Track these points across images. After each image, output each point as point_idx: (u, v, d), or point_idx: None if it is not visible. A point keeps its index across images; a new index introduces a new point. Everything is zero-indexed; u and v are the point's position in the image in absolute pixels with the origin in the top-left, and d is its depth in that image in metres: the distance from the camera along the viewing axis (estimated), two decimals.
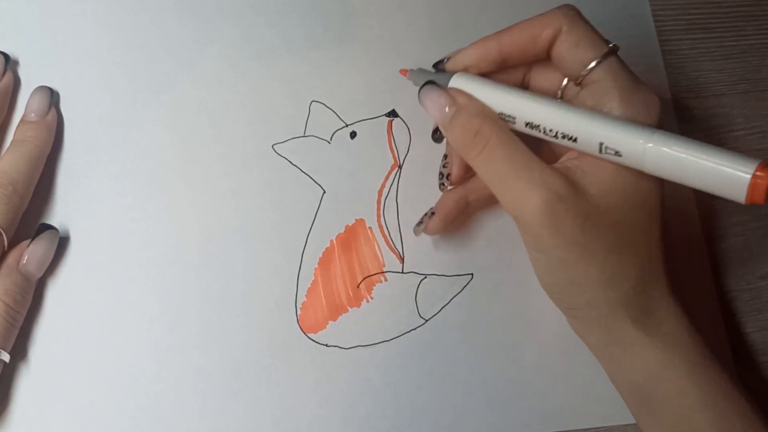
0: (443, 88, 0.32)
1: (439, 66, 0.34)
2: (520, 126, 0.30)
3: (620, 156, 0.27)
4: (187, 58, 0.38)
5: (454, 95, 0.31)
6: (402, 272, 0.36)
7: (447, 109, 0.31)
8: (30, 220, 0.34)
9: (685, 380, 0.29)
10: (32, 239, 0.33)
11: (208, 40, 0.38)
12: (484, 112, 0.31)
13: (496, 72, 0.32)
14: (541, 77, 0.33)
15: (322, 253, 0.36)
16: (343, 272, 0.36)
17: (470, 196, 0.35)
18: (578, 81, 0.30)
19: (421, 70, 0.34)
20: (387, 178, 0.37)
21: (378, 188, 0.37)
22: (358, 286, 0.36)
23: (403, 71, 0.35)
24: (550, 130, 0.29)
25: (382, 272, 0.36)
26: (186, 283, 0.35)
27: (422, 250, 0.36)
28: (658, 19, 0.41)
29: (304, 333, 0.35)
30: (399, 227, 0.37)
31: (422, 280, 0.36)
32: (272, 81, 0.38)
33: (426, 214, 0.35)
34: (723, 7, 0.42)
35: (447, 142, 0.35)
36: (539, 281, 0.31)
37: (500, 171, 0.29)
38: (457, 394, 0.35)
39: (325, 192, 0.37)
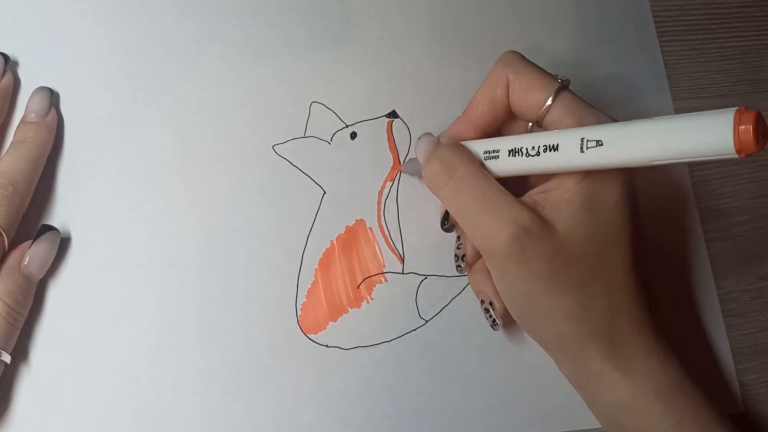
0: (435, 137, 0.34)
1: None
2: (503, 157, 0.30)
3: (601, 144, 0.26)
4: (187, 59, 0.38)
5: (440, 140, 0.33)
6: (402, 273, 0.36)
7: (430, 148, 0.32)
8: (30, 221, 0.34)
9: (655, 413, 0.29)
10: (33, 240, 0.33)
11: (208, 40, 0.38)
12: (457, 146, 0.31)
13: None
14: (509, 130, 0.34)
15: (323, 254, 0.36)
16: (344, 273, 0.36)
17: None
18: (539, 123, 0.31)
19: (412, 160, 0.36)
20: (387, 178, 0.37)
21: (378, 189, 0.37)
22: (358, 287, 0.36)
23: (399, 167, 0.37)
24: (533, 148, 0.29)
25: (383, 273, 0.36)
26: (186, 283, 0.35)
27: (423, 251, 0.36)
28: (659, 19, 0.41)
29: (304, 333, 0.35)
30: (399, 228, 0.37)
31: (422, 280, 0.36)
32: (272, 81, 0.38)
33: (488, 311, 0.34)
34: (723, 8, 0.42)
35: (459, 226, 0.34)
36: (511, 314, 0.32)
37: (468, 204, 0.30)
38: (457, 395, 0.35)
39: (325, 192, 0.37)
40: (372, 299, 0.36)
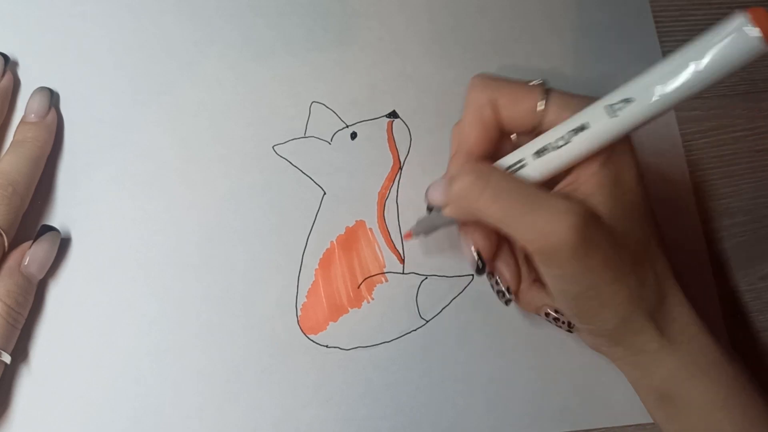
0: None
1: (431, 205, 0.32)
2: (531, 162, 0.28)
3: (631, 101, 0.26)
4: (187, 60, 0.38)
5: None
6: (403, 273, 0.36)
7: (447, 182, 0.30)
8: (30, 221, 0.34)
9: (708, 381, 0.29)
10: (33, 240, 0.33)
11: (208, 41, 0.38)
12: (479, 161, 0.30)
13: None
14: (501, 153, 0.32)
15: (323, 254, 0.36)
16: (344, 273, 0.36)
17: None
18: (537, 129, 0.30)
19: (424, 218, 0.33)
20: (387, 178, 0.37)
21: (378, 189, 0.37)
22: (358, 287, 0.36)
23: (408, 234, 0.35)
24: (561, 138, 0.28)
25: (383, 273, 0.36)
26: (186, 283, 0.35)
27: (423, 251, 0.36)
28: (659, 19, 0.41)
29: (305, 334, 0.35)
30: (399, 228, 0.37)
31: (423, 281, 0.36)
32: (272, 82, 0.38)
33: (498, 284, 0.33)
34: (723, 8, 0.42)
35: (492, 265, 0.33)
36: (566, 312, 0.31)
37: (513, 207, 0.27)
38: (458, 395, 0.35)
39: (325, 193, 0.37)
40: (372, 299, 0.36)
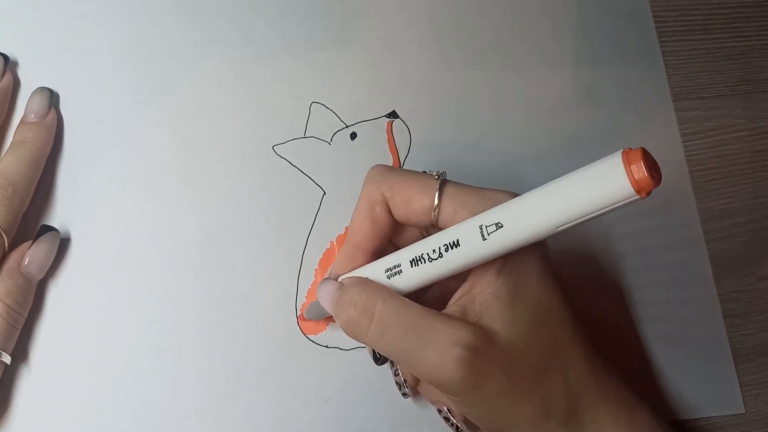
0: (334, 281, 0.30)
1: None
2: (407, 270, 0.28)
3: (501, 227, 0.25)
4: (187, 60, 0.38)
5: (342, 280, 0.30)
6: None
7: (335, 294, 0.29)
8: (30, 222, 0.34)
9: None
10: (33, 240, 0.33)
11: (208, 41, 0.38)
12: (363, 281, 0.29)
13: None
14: (402, 240, 0.32)
15: (323, 255, 0.36)
16: None
17: None
18: (435, 226, 0.29)
19: (314, 304, 0.33)
20: None
21: None
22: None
23: (300, 316, 0.35)
24: (433, 251, 0.27)
25: None
26: (186, 284, 0.35)
27: None
28: (659, 20, 0.41)
29: (305, 334, 0.35)
30: None
31: None
32: (272, 82, 0.38)
33: (400, 386, 0.32)
34: (723, 8, 0.42)
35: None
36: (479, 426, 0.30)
37: (399, 342, 0.27)
38: None
39: (325, 193, 0.37)
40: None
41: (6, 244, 0.32)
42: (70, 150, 0.36)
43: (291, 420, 0.34)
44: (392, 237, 0.31)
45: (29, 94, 0.36)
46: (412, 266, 0.28)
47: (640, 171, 0.21)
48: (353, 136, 0.38)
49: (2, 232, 0.32)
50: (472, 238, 0.26)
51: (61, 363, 0.34)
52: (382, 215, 0.30)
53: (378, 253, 0.31)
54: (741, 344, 0.37)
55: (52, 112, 0.36)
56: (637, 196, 0.22)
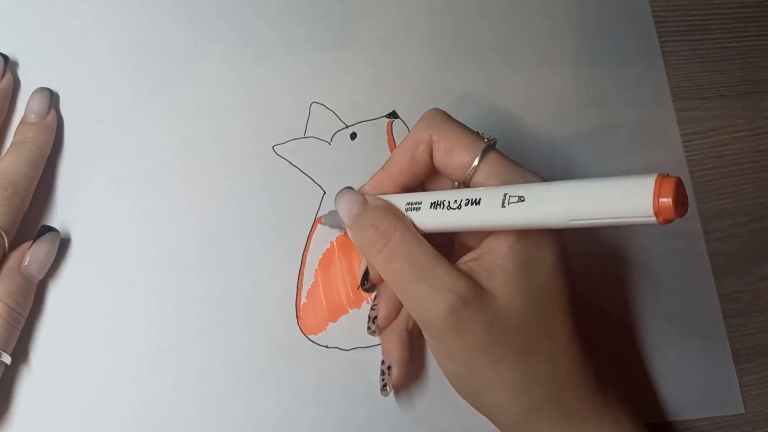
0: (358, 194, 0.32)
1: None
2: (425, 209, 0.29)
3: (523, 200, 0.26)
4: (187, 60, 0.38)
5: (366, 197, 0.31)
6: None
7: (359, 207, 0.31)
8: (30, 222, 0.34)
9: None
10: (33, 241, 0.33)
11: (208, 41, 0.38)
12: (389, 207, 0.30)
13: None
14: (434, 187, 0.33)
15: (323, 255, 0.36)
16: (344, 273, 0.36)
17: (407, 326, 0.33)
18: (467, 183, 0.30)
19: (333, 212, 0.34)
20: None
21: None
22: (358, 288, 0.36)
23: (318, 219, 0.36)
24: (454, 201, 0.28)
25: None
26: (186, 284, 0.35)
27: None
28: (659, 20, 0.41)
29: (305, 334, 0.35)
30: None
31: None
32: (272, 82, 0.38)
33: (384, 374, 0.33)
34: (723, 8, 0.42)
35: (379, 287, 0.34)
36: (453, 387, 0.31)
37: (403, 272, 0.28)
38: (458, 396, 0.35)
39: (325, 193, 0.37)
40: (372, 300, 0.36)
41: (6, 245, 0.32)
42: (70, 150, 0.36)
43: (291, 420, 0.34)
44: (426, 181, 0.32)
45: (29, 94, 0.36)
46: (431, 208, 0.29)
47: (667, 204, 0.22)
48: (353, 136, 0.38)
49: (2, 233, 0.32)
50: (493, 202, 0.27)
51: (61, 363, 0.34)
52: (423, 156, 0.31)
53: (406, 190, 0.32)
54: (741, 344, 0.37)
55: (52, 112, 0.36)
56: (655, 220, 0.22)
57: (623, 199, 0.23)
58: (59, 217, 0.35)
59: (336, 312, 0.35)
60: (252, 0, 0.39)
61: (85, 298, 0.34)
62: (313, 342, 0.35)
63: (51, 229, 0.34)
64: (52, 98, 0.36)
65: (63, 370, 0.34)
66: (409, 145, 0.31)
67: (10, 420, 0.33)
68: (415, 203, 0.30)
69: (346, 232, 0.36)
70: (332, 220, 0.35)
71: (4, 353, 0.31)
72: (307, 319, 0.35)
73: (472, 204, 0.27)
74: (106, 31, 0.38)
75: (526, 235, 0.28)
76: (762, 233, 0.39)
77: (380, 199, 0.31)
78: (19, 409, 0.33)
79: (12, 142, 0.35)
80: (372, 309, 0.34)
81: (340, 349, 0.35)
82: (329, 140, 0.38)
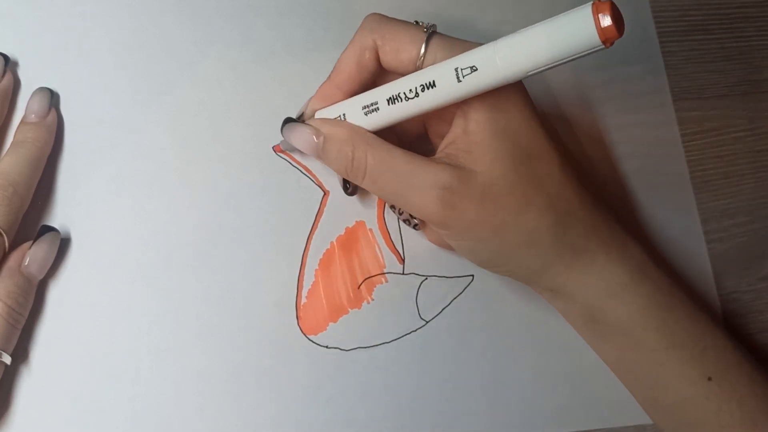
0: (303, 122, 0.33)
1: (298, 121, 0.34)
2: (383, 107, 0.30)
3: (476, 70, 0.27)
4: (187, 60, 0.38)
5: (316, 125, 0.32)
6: (403, 273, 0.36)
7: (315, 139, 0.32)
8: (31, 222, 0.34)
9: (623, 302, 0.31)
10: (34, 241, 0.33)
11: (208, 41, 0.38)
12: (351, 133, 0.31)
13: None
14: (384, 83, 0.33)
15: (323, 255, 0.36)
16: (344, 273, 0.36)
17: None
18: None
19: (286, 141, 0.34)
20: None
21: None
22: (358, 288, 0.36)
23: (277, 147, 0.37)
24: (410, 90, 0.29)
25: (383, 273, 0.36)
26: (186, 284, 0.35)
27: (423, 252, 0.36)
28: (659, 20, 0.41)
29: (305, 335, 0.35)
30: (399, 228, 0.37)
31: (423, 281, 0.36)
32: (272, 82, 0.38)
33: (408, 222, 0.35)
34: (723, 8, 0.42)
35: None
36: (472, 262, 0.33)
37: (388, 187, 0.30)
38: (458, 396, 0.35)
39: (325, 193, 0.37)
40: (372, 300, 0.36)
41: (6, 245, 0.32)
42: (70, 150, 0.36)
43: (291, 420, 0.34)
44: (377, 83, 0.33)
45: (29, 94, 0.36)
46: (389, 104, 0.30)
47: (607, 21, 0.23)
48: None
49: (2, 233, 0.32)
50: (448, 79, 0.28)
51: (61, 363, 0.34)
52: (369, 61, 0.32)
53: (354, 95, 0.32)
54: (741, 344, 0.37)
55: (53, 112, 0.36)
56: (602, 46, 0.24)
57: (570, 37, 0.24)
58: (59, 217, 0.35)
59: (336, 312, 0.35)
60: (252, 0, 0.39)
61: (85, 298, 0.34)
62: (313, 342, 0.35)
63: (51, 229, 0.34)
64: (52, 98, 0.36)
65: (63, 370, 0.34)
66: (354, 53, 0.32)
67: (10, 420, 0.33)
68: (372, 104, 0.30)
69: (345, 232, 0.36)
70: (287, 145, 0.35)
71: (4, 353, 0.31)
72: (307, 320, 0.35)
73: (428, 88, 0.28)
74: (106, 31, 0.38)
75: (488, 104, 0.29)
76: (762, 233, 0.39)
77: (338, 126, 0.32)
78: (19, 409, 0.33)
79: (12, 142, 0.35)
80: (401, 213, 0.35)
81: (340, 349, 0.35)
82: None
